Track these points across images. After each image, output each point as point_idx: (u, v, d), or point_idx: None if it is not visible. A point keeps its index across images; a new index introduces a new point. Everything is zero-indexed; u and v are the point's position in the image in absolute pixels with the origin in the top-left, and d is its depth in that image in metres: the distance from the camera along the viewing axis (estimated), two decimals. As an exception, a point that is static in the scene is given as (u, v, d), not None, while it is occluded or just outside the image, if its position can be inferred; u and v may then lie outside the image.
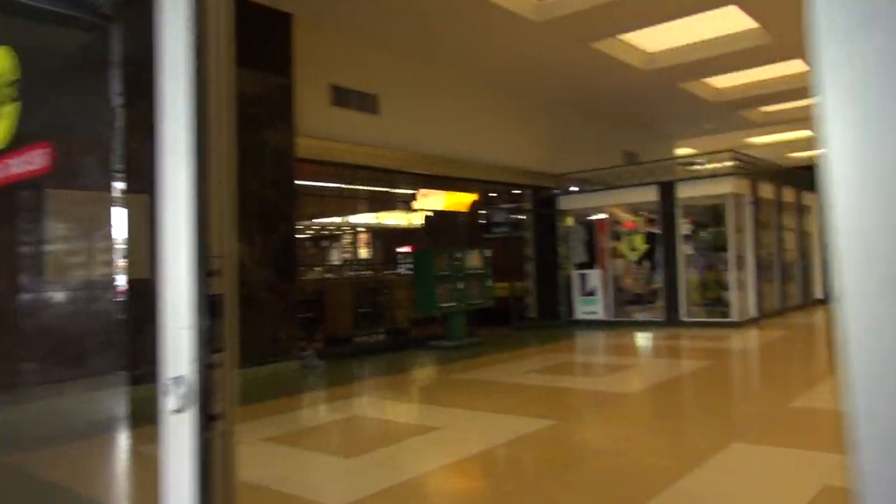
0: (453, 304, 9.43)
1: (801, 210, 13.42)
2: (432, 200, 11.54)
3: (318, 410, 5.77)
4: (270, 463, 3.97)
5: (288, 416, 5.28)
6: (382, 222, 18.41)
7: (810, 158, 23.98)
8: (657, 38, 10.29)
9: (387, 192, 13.78)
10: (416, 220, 13.79)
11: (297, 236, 8.35)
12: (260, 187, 7.48)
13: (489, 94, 11.56)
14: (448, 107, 10.76)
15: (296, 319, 7.93)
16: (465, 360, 8.17)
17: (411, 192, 11.77)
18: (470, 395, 5.92)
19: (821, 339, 9.27)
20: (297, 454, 4.14)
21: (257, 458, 4.09)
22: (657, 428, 4.54)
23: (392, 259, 17.49)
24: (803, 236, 13.45)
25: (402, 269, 15.23)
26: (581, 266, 12.22)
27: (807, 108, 15.28)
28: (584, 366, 7.84)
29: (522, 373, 7.05)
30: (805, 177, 14.54)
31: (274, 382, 6.87)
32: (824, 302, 13.75)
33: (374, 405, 5.94)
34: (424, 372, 7.76)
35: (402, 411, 5.66)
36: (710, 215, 11.47)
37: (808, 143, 21.07)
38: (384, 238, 20.32)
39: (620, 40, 10.20)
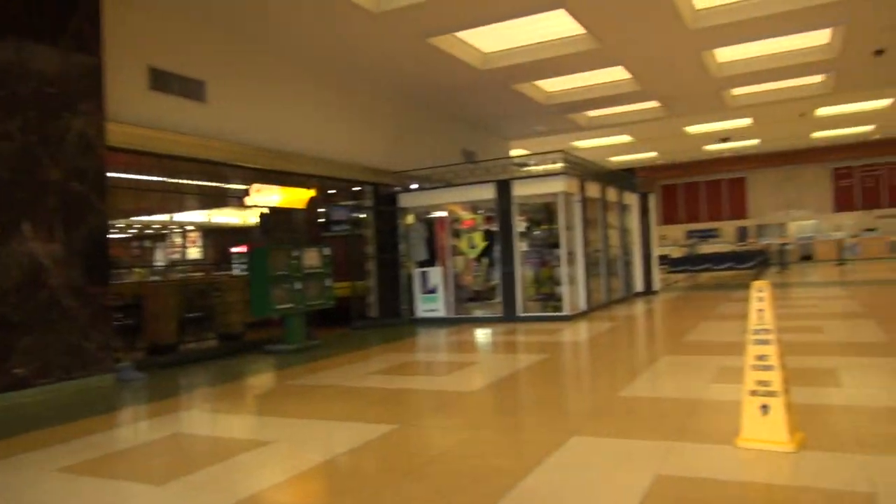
0: (291, 305, 8.96)
1: (623, 209, 14.43)
2: (268, 196, 10.92)
3: (131, 430, 5.12)
4: (64, 499, 3.38)
5: (93, 439, 4.61)
6: (214, 220, 17.30)
7: (629, 162, 26.06)
8: (492, 39, 10.52)
9: (218, 187, 12.89)
10: (252, 217, 13.02)
11: (110, 234, 7.45)
12: (63, 178, 6.56)
13: (328, 87, 11.18)
14: (284, 98, 10.24)
15: (110, 327, 7.07)
16: (304, 364, 7.78)
17: (244, 187, 11.07)
18: (307, 403, 5.57)
19: (642, 329, 9.95)
20: (100, 485, 3.58)
21: (49, 493, 3.48)
22: (499, 426, 4.51)
23: (226, 259, 16.50)
24: (625, 233, 14.46)
25: (237, 270, 14.38)
26: (422, 264, 12.22)
27: (626, 113, 16.49)
28: (426, 365, 7.76)
29: (363, 375, 6.81)
30: (625, 178, 15.68)
31: (81, 400, 6.04)
32: (643, 294, 14.90)
33: (199, 420, 5.40)
34: (259, 379, 7.26)
35: (231, 425, 5.18)
36: (544, 213, 11.97)
37: (627, 148, 22.85)
38: (217, 237, 19.14)
39: (457, 38, 10.28)
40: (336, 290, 10.24)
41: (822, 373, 5.44)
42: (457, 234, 12.25)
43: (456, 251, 12.20)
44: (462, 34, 10.20)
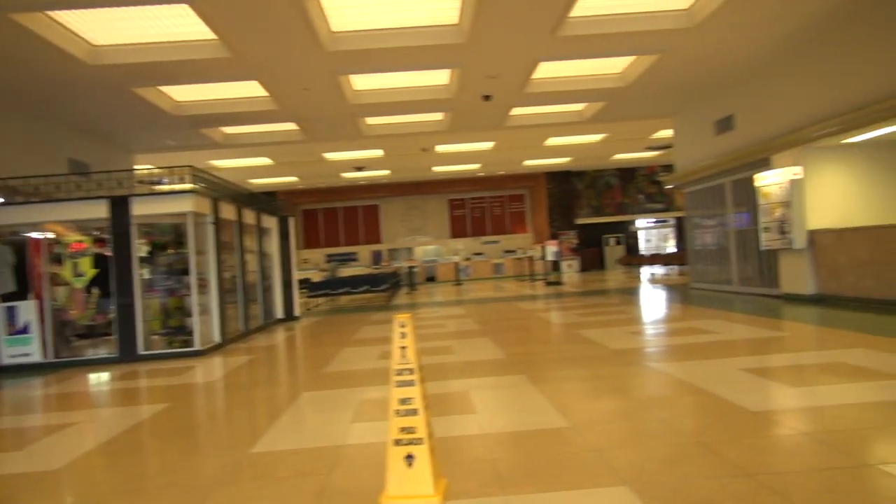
0: None
1: (262, 232, 13.74)
2: None
3: None
4: None
5: None
6: None
7: (270, 185, 25.53)
8: (105, 29, 8.92)
9: None
10: None
11: None
12: None
13: None
14: None
15: None
16: None
17: None
18: None
19: (282, 361, 9.34)
20: None
21: None
22: (87, 520, 3.37)
23: None
24: (264, 258, 13.77)
25: None
26: (8, 297, 9.73)
27: (264, 133, 15.90)
28: None
29: None
30: (265, 201, 15.03)
31: None
32: (285, 320, 14.36)
33: None
34: None
35: None
36: (171, 236, 10.58)
37: (268, 171, 22.26)
38: None
39: (54, 20, 8.44)
40: None
41: (456, 398, 5.51)
42: (58, 259, 10.07)
43: (57, 280, 10.02)
44: (62, 17, 8.39)
